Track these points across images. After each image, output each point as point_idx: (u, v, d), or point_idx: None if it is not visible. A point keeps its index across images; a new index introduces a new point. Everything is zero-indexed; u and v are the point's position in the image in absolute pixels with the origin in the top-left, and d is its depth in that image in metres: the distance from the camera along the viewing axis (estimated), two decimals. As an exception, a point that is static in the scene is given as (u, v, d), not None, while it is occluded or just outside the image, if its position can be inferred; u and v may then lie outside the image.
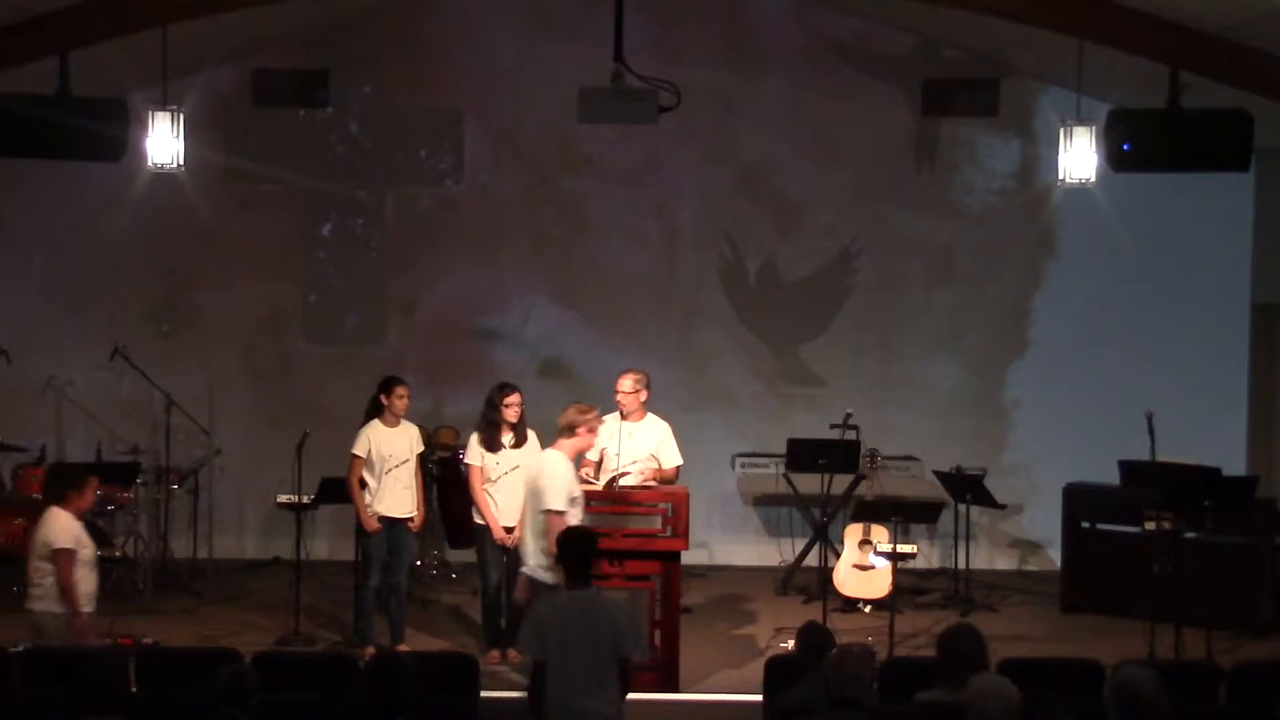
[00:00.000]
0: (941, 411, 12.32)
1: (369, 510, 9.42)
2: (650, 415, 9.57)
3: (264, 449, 11.56)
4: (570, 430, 8.42)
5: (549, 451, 8.51)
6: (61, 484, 8.12)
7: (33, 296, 12.13)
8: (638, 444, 9.49)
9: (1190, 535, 9.67)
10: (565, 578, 6.98)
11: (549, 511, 8.17)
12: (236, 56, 11.84)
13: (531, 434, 9.51)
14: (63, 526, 7.96)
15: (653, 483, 9.38)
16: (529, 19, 12.22)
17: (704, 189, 12.40)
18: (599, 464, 9.44)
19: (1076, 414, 12.11)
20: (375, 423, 9.48)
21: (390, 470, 9.43)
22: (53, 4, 8.84)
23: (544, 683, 6.62)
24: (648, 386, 9.63)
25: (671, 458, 9.57)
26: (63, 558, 7.85)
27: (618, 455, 9.32)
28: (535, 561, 8.32)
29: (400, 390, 9.51)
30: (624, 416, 9.49)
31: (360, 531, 9.50)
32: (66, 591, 7.86)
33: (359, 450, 9.43)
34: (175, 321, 12.35)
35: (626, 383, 9.50)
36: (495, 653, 9.37)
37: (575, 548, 6.93)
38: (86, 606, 8.00)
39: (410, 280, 12.47)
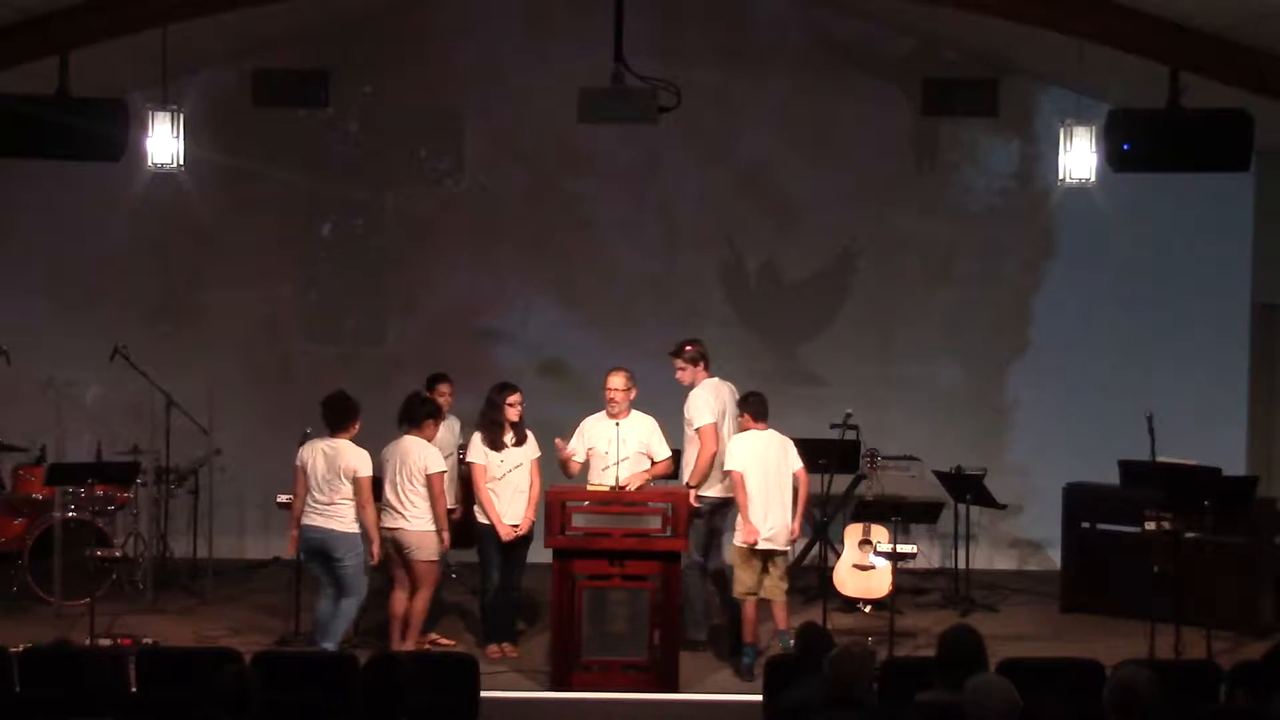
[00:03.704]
0: (941, 411, 12.32)
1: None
2: (634, 412, 9.52)
3: (264, 449, 11.53)
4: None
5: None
6: (417, 413, 9.15)
7: (33, 296, 12.12)
8: (629, 441, 9.39)
9: (1190, 535, 9.68)
10: (754, 425, 9.14)
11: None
12: (236, 56, 11.84)
13: (530, 434, 9.51)
14: (433, 451, 9.07)
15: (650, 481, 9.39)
16: (529, 19, 12.21)
17: (704, 189, 12.39)
18: (586, 464, 9.40)
19: (1076, 414, 12.10)
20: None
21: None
22: (53, 4, 8.83)
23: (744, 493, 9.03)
24: (634, 384, 9.59)
25: (663, 450, 9.52)
26: (437, 480, 8.99)
27: (606, 454, 9.27)
28: None
29: (442, 388, 9.95)
30: (612, 415, 9.42)
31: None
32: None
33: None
34: (175, 321, 12.35)
35: (620, 380, 9.40)
36: (494, 646, 9.40)
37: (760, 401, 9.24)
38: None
39: (410, 280, 12.47)
